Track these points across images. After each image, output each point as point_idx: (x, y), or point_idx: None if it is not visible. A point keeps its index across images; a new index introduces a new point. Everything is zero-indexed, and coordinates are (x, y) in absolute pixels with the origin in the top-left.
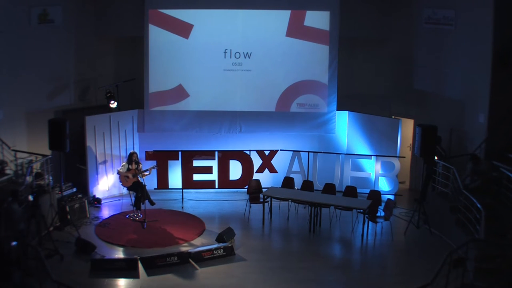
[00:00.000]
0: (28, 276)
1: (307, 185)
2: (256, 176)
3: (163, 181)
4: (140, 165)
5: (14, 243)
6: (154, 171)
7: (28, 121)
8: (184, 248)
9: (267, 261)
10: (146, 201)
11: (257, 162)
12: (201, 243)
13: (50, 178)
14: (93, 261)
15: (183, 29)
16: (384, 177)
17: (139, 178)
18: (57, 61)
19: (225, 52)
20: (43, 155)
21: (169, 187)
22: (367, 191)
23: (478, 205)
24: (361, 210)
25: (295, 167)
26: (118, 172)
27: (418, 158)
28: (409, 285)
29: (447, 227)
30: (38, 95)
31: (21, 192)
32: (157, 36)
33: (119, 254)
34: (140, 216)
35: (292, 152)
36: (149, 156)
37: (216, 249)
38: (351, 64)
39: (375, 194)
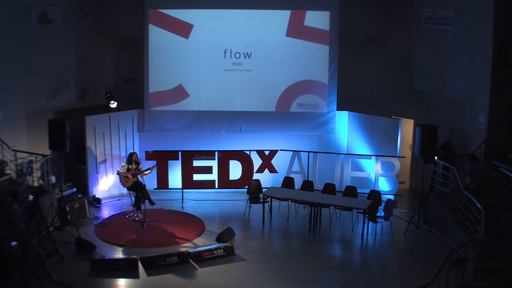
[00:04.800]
0: (28, 276)
1: (307, 185)
2: (256, 176)
3: (163, 181)
4: (140, 165)
5: (14, 243)
6: (154, 171)
7: (28, 121)
8: (184, 248)
9: (267, 261)
10: (146, 201)
11: (257, 162)
12: (201, 243)
13: (53, 177)
14: (93, 261)
15: (183, 29)
16: (384, 177)
17: (139, 178)
18: (57, 61)
19: (225, 52)
20: (43, 155)
21: (169, 187)
22: (367, 191)
23: (478, 205)
24: (361, 210)
25: (295, 167)
26: (118, 173)
27: (418, 158)
28: (409, 285)
29: (447, 227)
30: (38, 95)
31: (21, 192)
32: (157, 36)
33: (119, 254)
34: (140, 216)
35: (292, 152)
36: (149, 156)
37: (216, 249)
38: (351, 64)
39: (375, 194)
